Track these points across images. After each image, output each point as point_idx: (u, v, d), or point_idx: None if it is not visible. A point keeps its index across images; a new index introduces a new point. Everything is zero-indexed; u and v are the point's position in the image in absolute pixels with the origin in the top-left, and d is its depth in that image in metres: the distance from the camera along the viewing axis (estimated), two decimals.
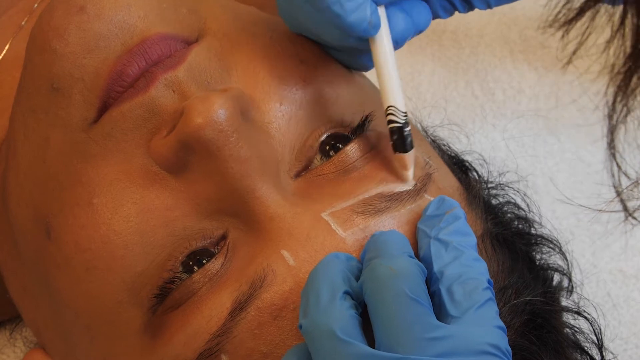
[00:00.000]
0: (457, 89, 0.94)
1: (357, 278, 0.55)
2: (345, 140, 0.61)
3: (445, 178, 0.64)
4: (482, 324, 0.53)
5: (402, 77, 0.88)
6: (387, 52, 0.59)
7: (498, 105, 0.93)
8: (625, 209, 0.57)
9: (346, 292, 0.53)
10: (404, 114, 0.59)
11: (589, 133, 0.92)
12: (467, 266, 0.55)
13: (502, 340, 0.53)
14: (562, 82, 0.95)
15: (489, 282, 0.55)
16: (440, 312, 0.55)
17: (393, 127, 0.60)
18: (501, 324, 0.54)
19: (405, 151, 0.60)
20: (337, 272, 0.54)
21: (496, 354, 0.52)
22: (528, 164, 0.90)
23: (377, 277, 0.53)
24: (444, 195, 0.60)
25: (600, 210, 0.63)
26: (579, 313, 0.67)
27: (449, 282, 0.55)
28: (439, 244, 0.56)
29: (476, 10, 0.65)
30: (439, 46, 0.96)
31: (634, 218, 0.57)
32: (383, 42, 0.59)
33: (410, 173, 0.60)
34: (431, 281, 0.56)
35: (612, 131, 0.55)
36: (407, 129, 0.60)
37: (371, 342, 0.53)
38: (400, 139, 0.60)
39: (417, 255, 0.57)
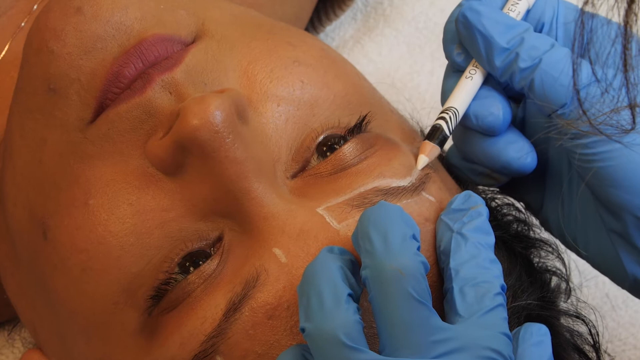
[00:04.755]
0: None
1: (353, 272, 0.54)
2: (342, 141, 0.61)
3: (445, 179, 0.63)
4: (487, 329, 0.53)
5: (401, 77, 0.88)
6: (474, 89, 0.63)
7: None
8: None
9: (349, 295, 0.53)
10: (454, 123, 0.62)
11: None
12: (483, 267, 0.55)
13: (505, 347, 0.53)
14: None
15: (502, 288, 0.55)
16: (450, 309, 0.55)
17: (439, 124, 0.62)
18: (507, 331, 0.54)
19: (433, 142, 0.62)
20: (336, 270, 0.53)
21: (498, 359, 0.52)
22: None
23: (384, 280, 0.52)
24: (470, 191, 0.60)
25: None
26: (577, 316, 0.66)
27: (463, 283, 0.55)
28: (460, 239, 0.56)
29: None
30: (438, 46, 0.95)
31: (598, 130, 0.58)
32: (477, 83, 0.63)
33: (423, 158, 0.61)
34: (445, 276, 0.56)
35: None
36: (448, 135, 0.62)
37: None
38: (438, 133, 0.62)
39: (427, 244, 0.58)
